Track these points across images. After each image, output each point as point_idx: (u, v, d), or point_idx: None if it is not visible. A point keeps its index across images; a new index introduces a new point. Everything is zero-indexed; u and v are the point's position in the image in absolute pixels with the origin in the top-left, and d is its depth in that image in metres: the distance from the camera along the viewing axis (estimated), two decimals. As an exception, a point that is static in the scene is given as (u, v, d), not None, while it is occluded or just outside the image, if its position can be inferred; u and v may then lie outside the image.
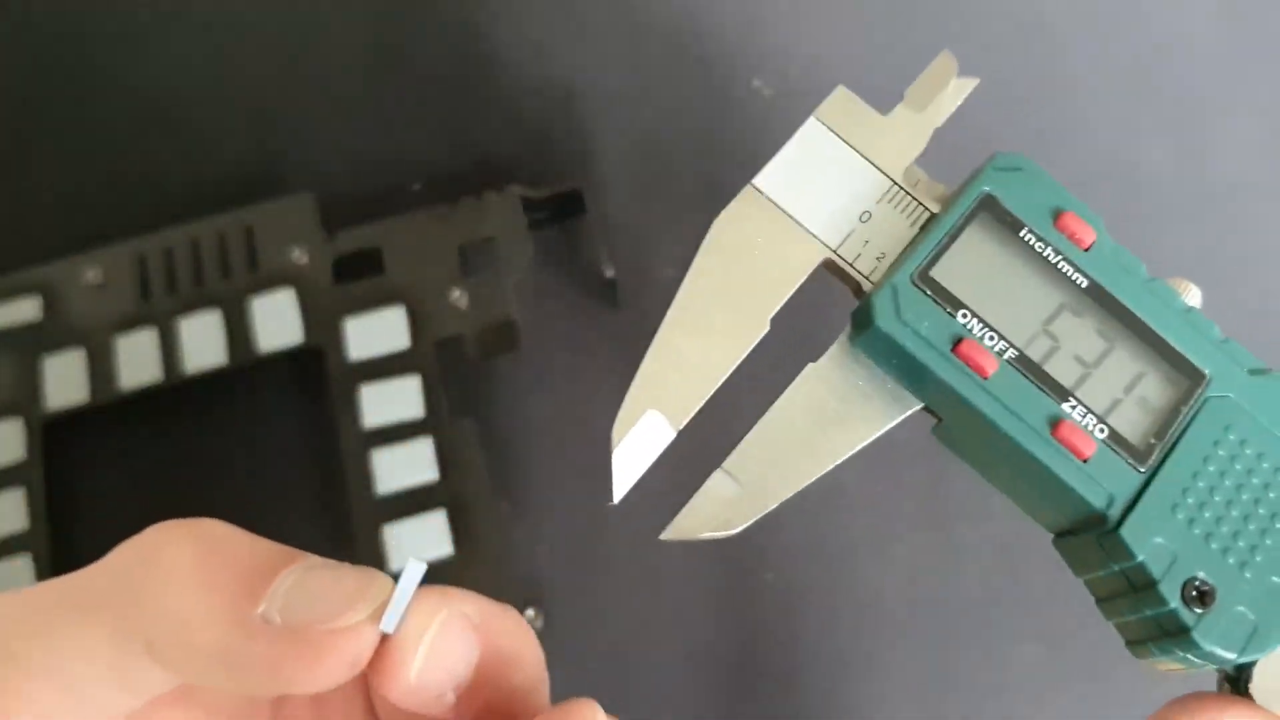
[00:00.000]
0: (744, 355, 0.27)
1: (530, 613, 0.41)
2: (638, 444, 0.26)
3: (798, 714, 0.42)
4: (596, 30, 0.49)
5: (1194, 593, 0.25)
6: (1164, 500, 0.26)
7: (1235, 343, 0.28)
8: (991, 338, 0.26)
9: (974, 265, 0.27)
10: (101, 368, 0.42)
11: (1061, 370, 0.27)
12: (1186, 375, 0.27)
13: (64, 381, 0.42)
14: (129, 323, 0.43)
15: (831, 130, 0.29)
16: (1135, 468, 0.26)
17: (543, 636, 0.27)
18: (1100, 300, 0.27)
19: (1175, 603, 0.25)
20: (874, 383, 0.27)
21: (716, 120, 0.47)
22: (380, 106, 0.48)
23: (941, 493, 0.44)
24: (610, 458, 0.26)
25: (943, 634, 0.43)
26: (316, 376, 0.43)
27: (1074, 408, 0.26)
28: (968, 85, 0.30)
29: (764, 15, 0.49)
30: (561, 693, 0.25)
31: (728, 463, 0.26)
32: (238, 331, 0.42)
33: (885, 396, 0.27)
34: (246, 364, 0.43)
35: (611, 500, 0.26)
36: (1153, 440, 0.26)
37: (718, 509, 0.26)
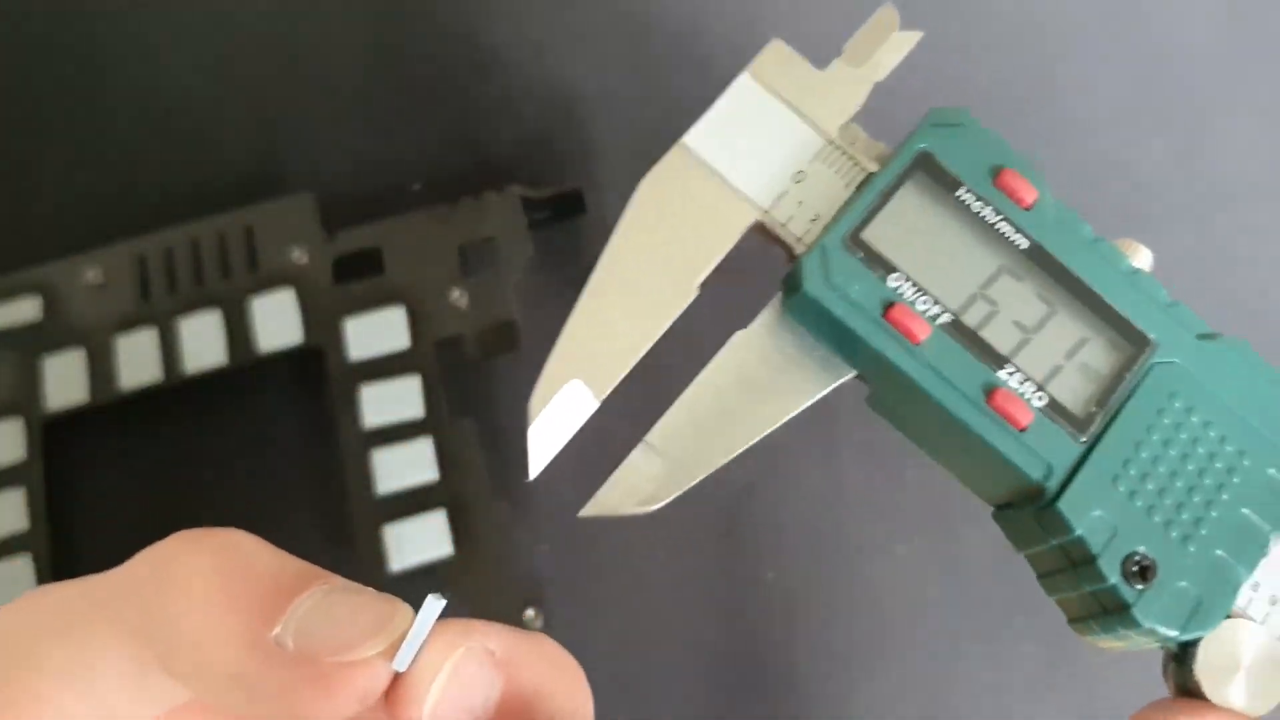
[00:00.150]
0: (670, 322, 0.26)
1: (530, 613, 0.41)
2: (558, 416, 0.25)
3: (798, 714, 0.42)
4: (596, 30, 0.49)
5: (1134, 568, 0.24)
6: (1104, 471, 0.25)
7: (1184, 306, 0.26)
8: (924, 302, 0.25)
9: (908, 226, 0.26)
10: (101, 368, 0.42)
11: (999, 336, 0.25)
12: (1131, 341, 0.26)
13: (64, 381, 0.42)
14: (129, 323, 0.43)
15: (765, 86, 0.27)
16: (1075, 437, 0.25)
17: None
18: (1041, 262, 0.26)
19: (1115, 578, 0.24)
20: (805, 350, 0.26)
21: (716, 120, 0.47)
22: (380, 106, 0.48)
23: (943, 493, 0.44)
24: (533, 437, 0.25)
25: (943, 634, 0.43)
26: (316, 376, 0.43)
27: (1011, 375, 0.25)
28: (910, 39, 0.29)
29: (764, 15, 0.49)
30: (561, 692, 0.24)
31: (651, 435, 0.25)
32: (238, 331, 0.42)
33: (817, 364, 0.26)
34: (246, 364, 0.43)
35: (527, 477, 0.25)
36: (1094, 409, 0.25)
37: (641, 484, 0.25)
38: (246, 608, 0.22)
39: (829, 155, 0.27)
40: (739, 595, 0.43)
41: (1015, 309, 0.26)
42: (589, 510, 0.24)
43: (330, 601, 0.23)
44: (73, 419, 0.42)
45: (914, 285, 0.25)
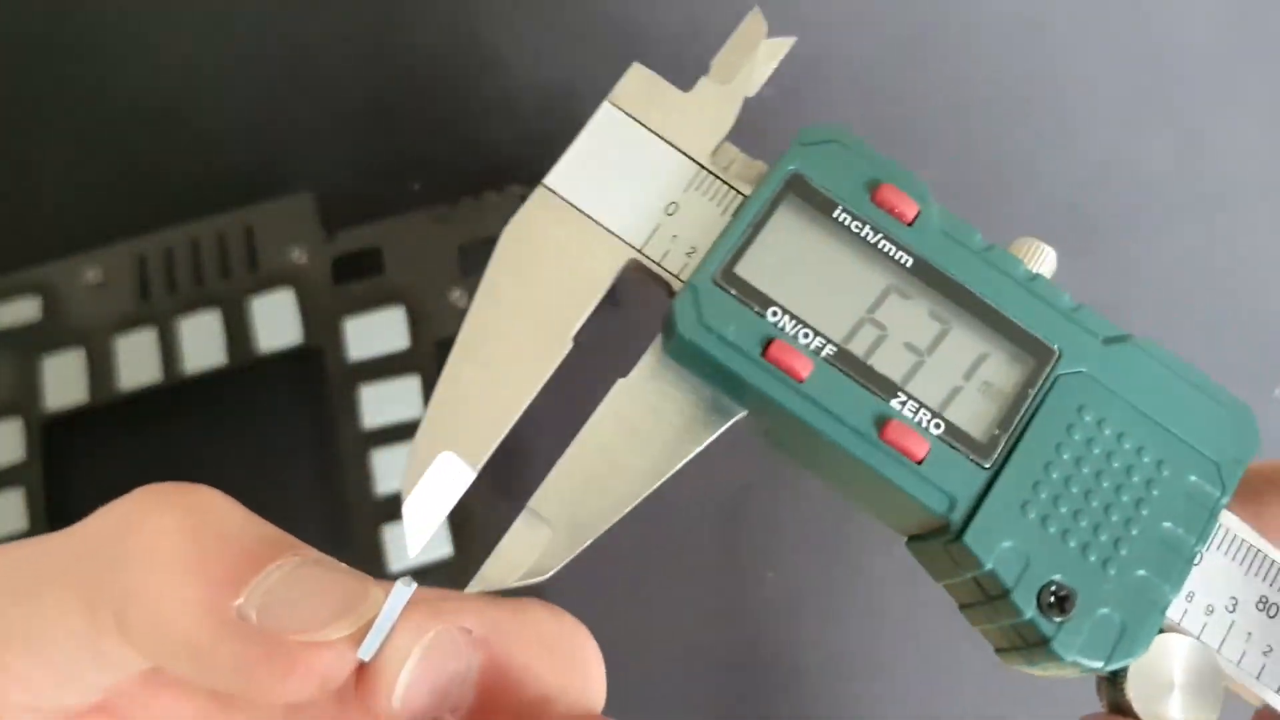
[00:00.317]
0: (545, 379, 0.24)
1: (530, 613, 0.41)
2: (432, 491, 0.23)
3: (798, 714, 0.42)
4: (596, 30, 0.49)
5: (1051, 599, 0.23)
6: (1013, 498, 0.23)
7: (1090, 310, 0.25)
8: (806, 335, 0.24)
9: (784, 255, 0.24)
10: (101, 368, 0.42)
11: (889, 362, 0.24)
12: (1032, 353, 0.24)
13: (64, 381, 0.42)
14: (129, 323, 0.43)
15: (629, 115, 0.25)
16: (979, 464, 0.23)
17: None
18: (929, 279, 0.24)
19: (1031, 612, 0.22)
20: (692, 393, 0.24)
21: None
22: (380, 106, 0.48)
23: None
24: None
25: (943, 634, 0.43)
26: (316, 376, 0.43)
27: (904, 404, 0.23)
28: (781, 47, 0.27)
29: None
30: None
31: (533, 501, 0.24)
32: (237, 331, 0.42)
33: (705, 406, 0.24)
34: (246, 364, 0.43)
35: (408, 557, 0.23)
36: (996, 431, 0.23)
37: (527, 554, 0.23)
38: (210, 573, 0.21)
39: (702, 182, 0.25)
40: (739, 595, 0.43)
41: (906, 331, 0.24)
42: (474, 587, 0.23)
43: (300, 575, 0.21)
44: (72, 419, 0.42)
45: (793, 318, 0.24)
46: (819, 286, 0.24)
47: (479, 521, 0.41)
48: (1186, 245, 0.47)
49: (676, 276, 0.25)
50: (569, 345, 0.24)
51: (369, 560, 0.40)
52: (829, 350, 0.24)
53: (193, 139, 0.48)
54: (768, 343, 0.24)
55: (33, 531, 0.40)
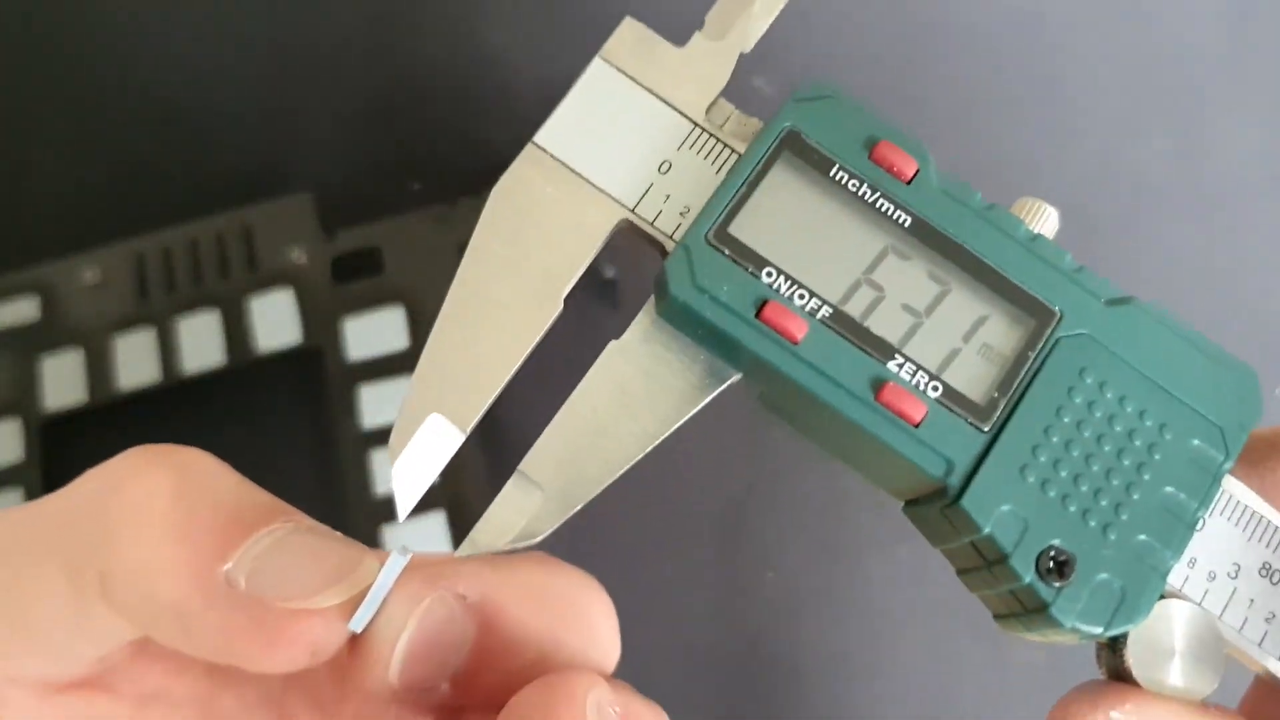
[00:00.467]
0: (536, 340, 0.23)
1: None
2: (421, 454, 0.23)
3: (798, 714, 0.42)
4: (597, 30, 0.48)
5: (1050, 564, 0.22)
6: (1012, 462, 0.23)
7: (1090, 271, 0.24)
8: (802, 296, 0.23)
9: (779, 214, 0.23)
10: (100, 368, 0.42)
11: (887, 324, 0.23)
12: (1033, 314, 0.23)
13: (62, 382, 0.42)
14: (127, 323, 0.42)
15: (621, 70, 0.25)
16: (977, 427, 0.23)
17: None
18: (928, 239, 0.24)
19: (1029, 577, 0.22)
20: (685, 355, 0.24)
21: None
22: (380, 106, 0.48)
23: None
24: None
25: (943, 634, 0.43)
26: (315, 377, 0.43)
27: (901, 366, 0.23)
28: (775, 4, 0.26)
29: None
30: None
31: (524, 464, 0.23)
32: (236, 332, 0.42)
33: (699, 369, 0.24)
34: (245, 364, 0.42)
35: (396, 519, 0.23)
36: (996, 394, 0.23)
37: (517, 517, 0.23)
38: (199, 536, 0.20)
39: (696, 140, 0.24)
40: (739, 595, 0.43)
41: (904, 292, 0.23)
42: (464, 551, 0.22)
43: (292, 541, 0.21)
44: (71, 419, 0.42)
45: (789, 279, 0.23)
46: (815, 246, 0.24)
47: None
48: (1186, 245, 0.46)
49: (670, 237, 0.24)
50: (559, 307, 0.24)
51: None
52: (825, 311, 0.23)
53: (192, 139, 0.48)
54: (762, 304, 0.23)
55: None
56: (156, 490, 0.21)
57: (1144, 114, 0.49)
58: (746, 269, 0.23)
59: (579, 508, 0.23)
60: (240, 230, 0.43)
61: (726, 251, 0.23)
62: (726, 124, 0.25)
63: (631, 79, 0.25)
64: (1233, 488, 0.24)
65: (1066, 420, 0.23)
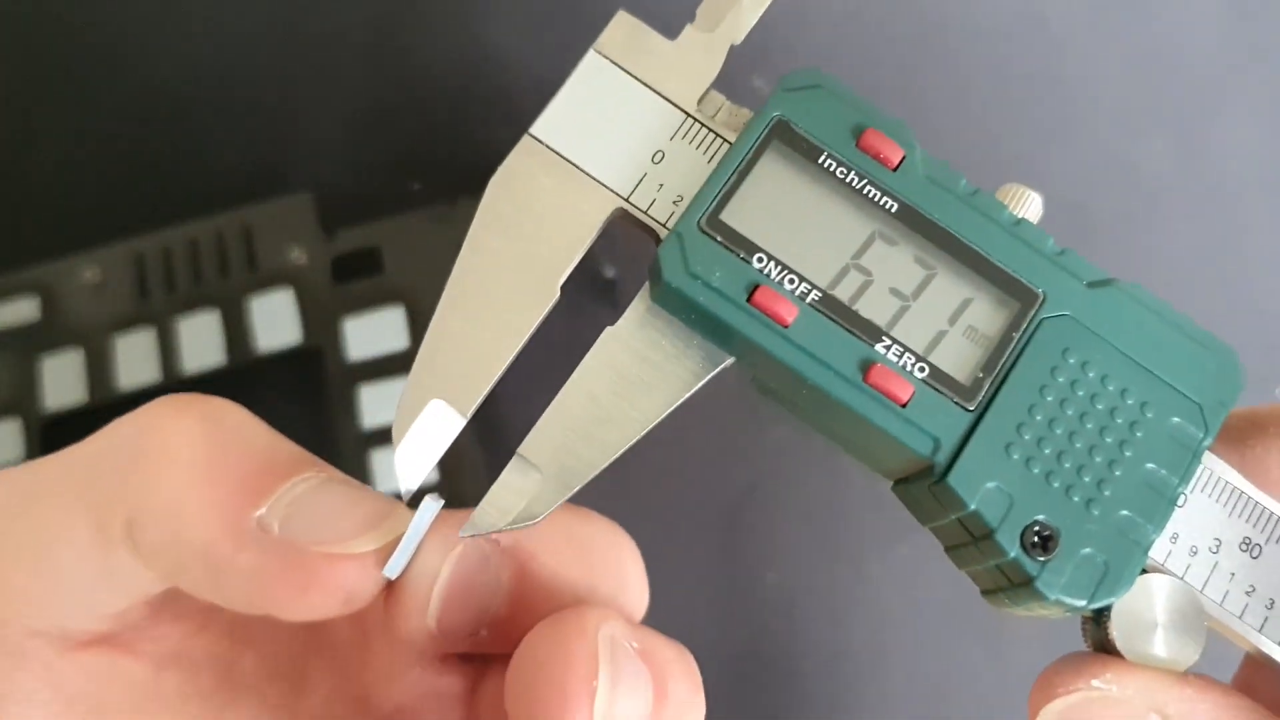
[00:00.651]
0: (533, 328, 0.24)
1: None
2: (422, 439, 0.23)
3: (798, 714, 0.42)
4: (595, 30, 0.48)
5: (1035, 539, 0.23)
6: (996, 440, 0.23)
7: (1074, 254, 0.25)
8: (791, 281, 0.24)
9: (770, 201, 0.24)
10: (100, 368, 0.42)
11: (875, 307, 0.24)
12: (1017, 297, 0.24)
13: (62, 382, 0.42)
14: (127, 322, 0.42)
15: (614, 63, 0.26)
16: (963, 407, 0.24)
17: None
18: (914, 224, 0.24)
19: (1014, 551, 0.23)
20: (679, 340, 0.24)
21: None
22: (380, 106, 0.48)
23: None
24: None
25: (943, 634, 0.43)
26: (315, 377, 0.43)
27: (888, 348, 0.24)
28: None
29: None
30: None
31: (523, 447, 0.24)
32: (236, 332, 0.42)
33: (693, 354, 0.24)
34: (245, 364, 0.42)
35: (400, 498, 0.23)
36: (980, 375, 0.24)
37: (517, 499, 0.23)
38: (232, 481, 0.20)
39: (689, 130, 0.25)
40: (739, 595, 0.43)
41: (891, 276, 0.24)
42: (466, 532, 0.23)
43: (325, 490, 0.21)
44: (71, 419, 0.42)
45: (779, 264, 0.24)
46: (804, 232, 0.24)
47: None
48: (1186, 245, 0.46)
49: (663, 225, 0.25)
50: (556, 295, 0.24)
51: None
52: (814, 296, 0.24)
53: (192, 139, 0.48)
54: (753, 289, 0.24)
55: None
56: (188, 434, 0.21)
57: (1144, 113, 0.49)
58: (738, 255, 0.24)
59: (577, 489, 0.24)
60: (240, 230, 0.43)
61: (718, 238, 0.24)
62: (718, 114, 0.26)
63: (625, 71, 0.26)
64: (1214, 465, 0.24)
65: (1050, 399, 0.24)
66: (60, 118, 0.48)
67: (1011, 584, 0.24)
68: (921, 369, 0.24)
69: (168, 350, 0.42)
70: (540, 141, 0.25)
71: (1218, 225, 0.48)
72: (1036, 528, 0.23)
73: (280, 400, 0.45)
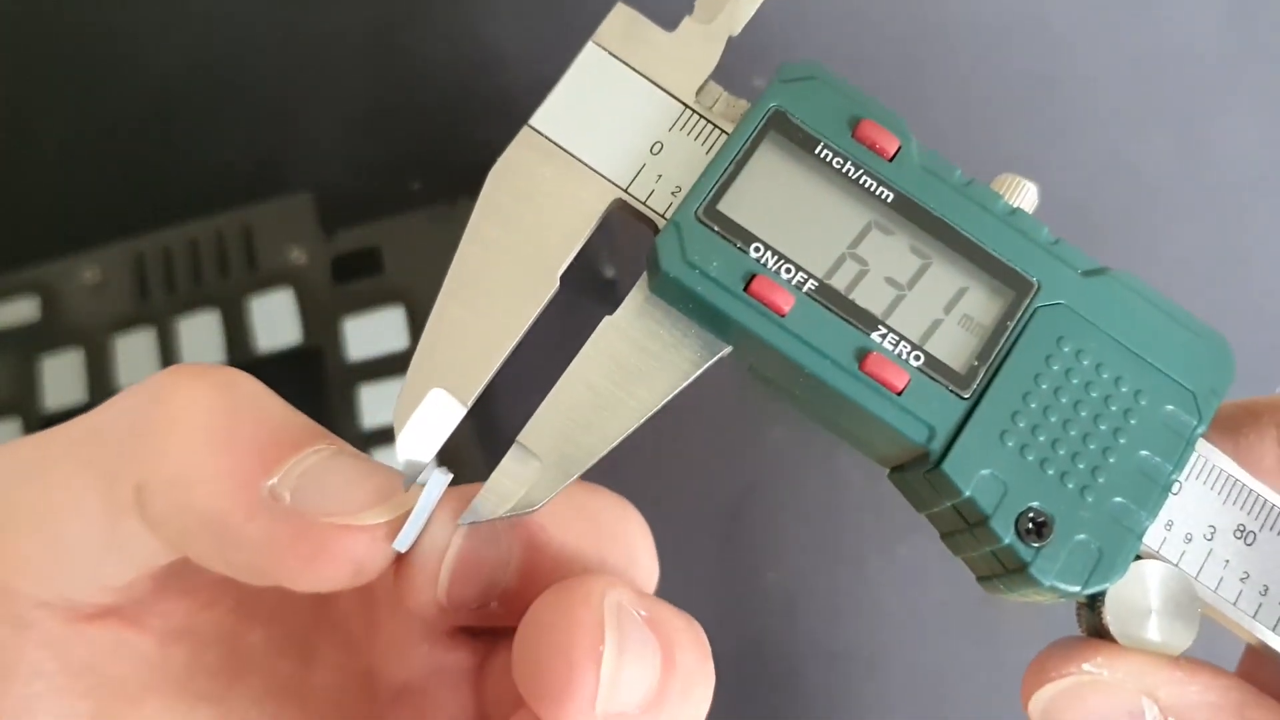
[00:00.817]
0: (533, 318, 0.24)
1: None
2: (424, 427, 0.23)
3: (798, 714, 0.42)
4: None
5: (1029, 525, 0.23)
6: (991, 427, 0.24)
7: (1067, 243, 0.25)
8: (788, 270, 0.24)
9: (767, 192, 0.24)
10: (100, 368, 0.42)
11: (871, 296, 0.24)
12: (1012, 285, 0.24)
13: (62, 382, 0.42)
14: (127, 322, 0.43)
15: (613, 55, 0.26)
16: (958, 395, 0.24)
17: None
18: (910, 214, 0.25)
19: (1009, 538, 0.23)
20: (677, 329, 0.24)
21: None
22: (380, 106, 0.48)
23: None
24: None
25: (943, 634, 0.43)
26: (315, 377, 0.43)
27: (884, 337, 0.24)
28: None
29: (764, 13, 0.49)
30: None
31: (523, 435, 0.24)
32: (236, 331, 0.42)
33: (690, 343, 0.24)
34: (245, 364, 0.42)
35: (402, 488, 0.23)
36: (975, 363, 0.24)
37: (517, 486, 0.23)
38: (244, 449, 0.20)
39: (687, 121, 0.25)
40: (740, 595, 0.43)
41: (887, 265, 0.24)
42: (466, 518, 0.23)
43: (336, 462, 0.21)
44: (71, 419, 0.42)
45: (776, 254, 0.24)
46: (801, 222, 0.24)
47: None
48: (1187, 245, 0.46)
49: (662, 215, 0.25)
50: (556, 285, 0.24)
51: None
52: (811, 285, 0.24)
53: (192, 139, 0.48)
54: (750, 278, 0.24)
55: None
56: (200, 402, 0.21)
57: (1145, 112, 0.49)
58: (735, 244, 0.24)
59: (576, 477, 0.24)
60: (240, 230, 0.43)
61: (716, 228, 0.24)
62: (716, 105, 0.26)
63: (623, 63, 0.26)
64: (1208, 453, 0.24)
65: (1044, 387, 0.24)
66: (60, 118, 0.48)
67: (1006, 570, 0.24)
68: (917, 357, 0.24)
69: (168, 350, 0.42)
70: (539, 133, 0.25)
71: (1218, 224, 0.48)
72: (1031, 514, 0.23)
73: (280, 400, 0.45)
